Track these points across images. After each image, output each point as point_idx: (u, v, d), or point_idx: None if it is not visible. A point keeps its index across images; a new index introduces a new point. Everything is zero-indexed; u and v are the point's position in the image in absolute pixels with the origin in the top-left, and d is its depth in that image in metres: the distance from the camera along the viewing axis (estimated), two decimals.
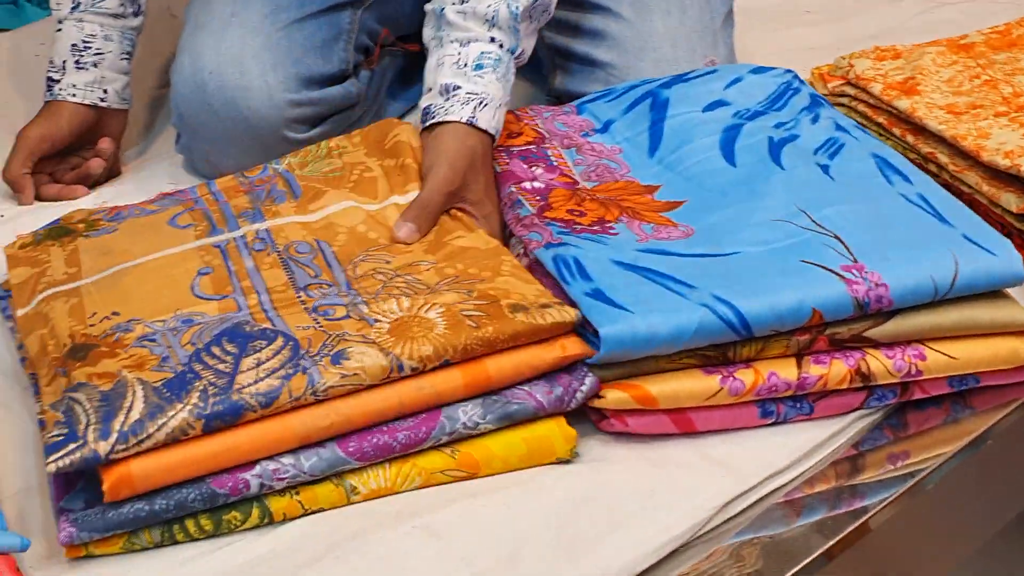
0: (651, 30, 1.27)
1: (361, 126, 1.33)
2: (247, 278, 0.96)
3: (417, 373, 0.86)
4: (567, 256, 0.95)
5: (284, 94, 1.21)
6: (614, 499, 0.84)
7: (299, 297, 0.93)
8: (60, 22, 1.27)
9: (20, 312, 0.99)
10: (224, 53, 1.21)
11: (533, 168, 1.07)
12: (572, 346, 0.88)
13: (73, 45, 1.26)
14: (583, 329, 0.90)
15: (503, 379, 0.87)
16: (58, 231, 1.08)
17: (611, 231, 0.99)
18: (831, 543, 0.85)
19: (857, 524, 0.87)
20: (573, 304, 0.91)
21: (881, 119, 1.22)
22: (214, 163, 1.25)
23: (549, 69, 1.34)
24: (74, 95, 1.26)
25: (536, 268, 0.97)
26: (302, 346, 0.86)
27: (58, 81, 1.26)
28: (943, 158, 1.15)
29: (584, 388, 0.88)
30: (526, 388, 0.87)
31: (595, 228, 0.99)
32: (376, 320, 0.88)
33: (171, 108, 1.27)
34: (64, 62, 1.26)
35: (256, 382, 0.83)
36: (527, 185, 1.05)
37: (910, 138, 1.18)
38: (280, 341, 0.87)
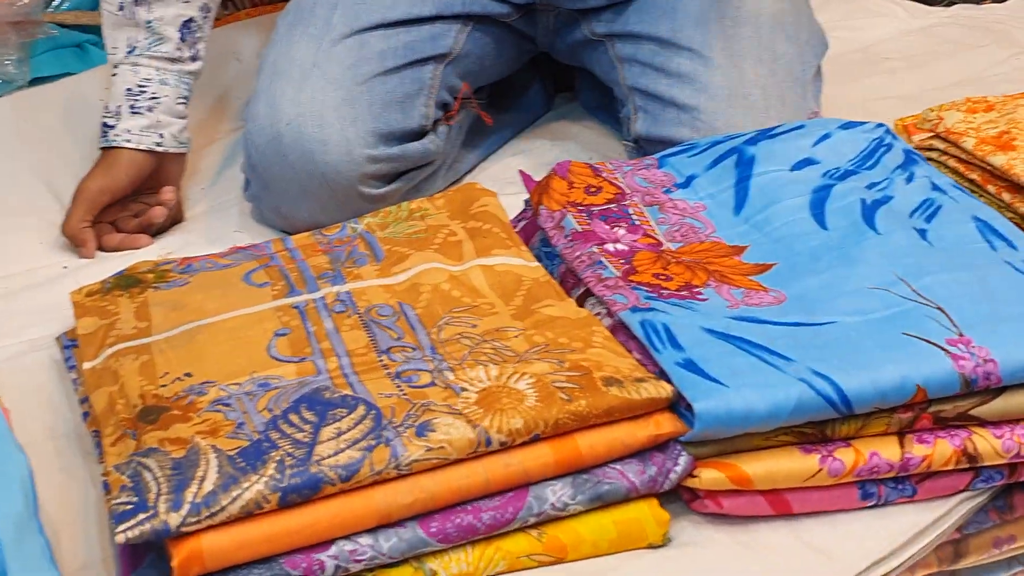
0: (742, 76, 1.23)
1: (436, 179, 1.30)
2: (326, 339, 0.92)
3: (505, 448, 0.82)
4: (655, 322, 0.90)
5: (363, 149, 1.18)
6: None
7: (381, 361, 0.89)
8: (115, 67, 1.25)
9: (87, 365, 0.96)
10: (303, 104, 1.18)
11: (615, 229, 1.03)
12: (666, 423, 0.84)
13: (128, 90, 1.23)
14: (675, 402, 0.85)
15: (595, 457, 0.83)
16: (126, 281, 1.05)
17: (699, 296, 0.95)
18: None
19: None
20: (664, 374, 0.87)
21: (974, 175, 1.17)
22: (285, 214, 1.22)
23: (630, 112, 1.29)
24: (129, 140, 1.23)
25: (620, 331, 0.93)
26: (385, 416, 0.82)
27: (113, 127, 1.24)
28: None
29: (679, 468, 0.83)
30: (618, 467, 0.83)
31: (683, 293, 0.95)
32: (463, 388, 0.84)
33: (242, 154, 1.24)
34: (119, 107, 1.23)
35: (336, 453, 0.79)
36: (610, 247, 1.01)
37: (1006, 196, 1.13)
38: (362, 410, 0.83)
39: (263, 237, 1.24)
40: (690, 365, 0.86)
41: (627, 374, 0.85)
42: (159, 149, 1.24)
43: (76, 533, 0.88)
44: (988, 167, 1.15)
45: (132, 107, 1.23)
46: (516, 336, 0.90)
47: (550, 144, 1.45)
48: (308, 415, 0.83)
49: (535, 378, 0.85)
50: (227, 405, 0.85)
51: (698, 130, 1.20)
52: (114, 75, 1.25)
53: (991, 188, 1.15)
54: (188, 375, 0.89)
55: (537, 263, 1.02)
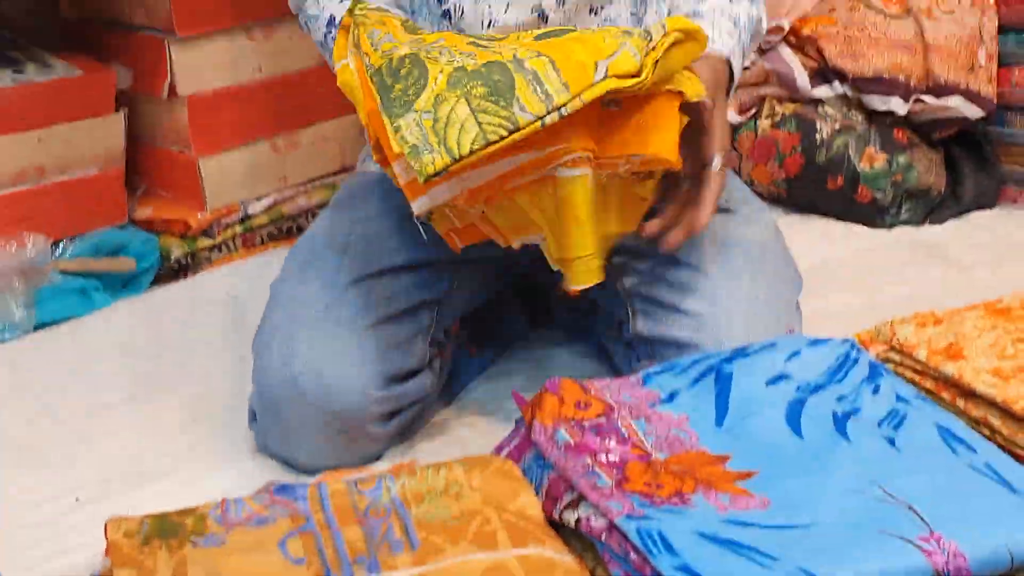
0: (739, 290, 1.32)
1: (430, 409, 1.38)
2: None
3: None
4: (651, 529, 0.97)
5: (372, 391, 1.25)
6: None
7: None
8: None
9: None
10: (318, 348, 1.25)
11: (606, 440, 1.11)
12: None
13: None
14: None
15: None
16: (166, 527, 1.04)
17: (690, 503, 1.03)
18: None
19: None
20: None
21: (928, 384, 1.26)
22: (291, 448, 1.28)
23: (627, 314, 1.37)
24: None
25: (614, 535, 0.99)
26: None
27: None
28: (995, 422, 1.19)
29: None
30: None
31: (674, 500, 1.03)
32: None
33: (254, 389, 1.30)
34: None
35: None
36: (602, 458, 1.09)
37: (960, 402, 1.22)
38: None
39: (267, 464, 1.30)
40: (686, 569, 0.93)
41: None
42: None
43: None
44: (941, 376, 1.25)
45: None
46: None
47: (531, 366, 1.54)
48: None
49: None
50: None
51: (701, 332, 1.29)
52: None
53: (945, 395, 1.24)
54: None
55: (570, 555, 1.03)
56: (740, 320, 1.29)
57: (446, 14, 1.36)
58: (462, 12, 1.35)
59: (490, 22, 1.34)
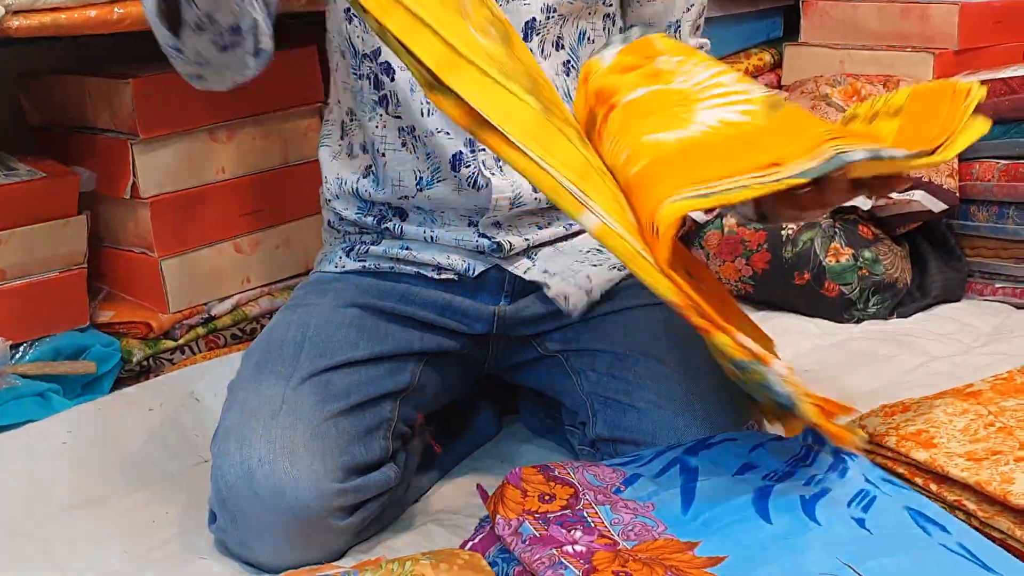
0: (698, 384, 1.31)
1: (394, 506, 1.35)
2: None
3: None
4: None
5: (331, 483, 1.23)
6: None
7: None
8: None
9: None
10: (274, 440, 1.23)
11: (572, 532, 1.09)
12: None
13: None
14: None
15: None
16: None
17: None
18: None
19: None
20: None
21: (901, 470, 1.24)
22: (251, 546, 1.25)
23: (586, 416, 1.36)
24: None
25: None
26: None
27: None
28: (970, 505, 1.17)
29: None
30: None
31: None
32: None
33: (208, 488, 1.28)
34: None
35: None
36: (568, 549, 1.06)
37: (933, 487, 1.21)
38: None
39: (228, 566, 1.27)
40: None
41: None
42: None
43: None
44: (912, 462, 1.23)
45: None
46: None
47: (499, 463, 1.52)
48: None
49: None
50: None
51: (659, 432, 1.28)
52: None
53: (918, 480, 1.22)
54: None
55: None
56: (698, 416, 1.28)
57: (382, 101, 1.38)
58: (397, 100, 1.37)
59: (429, 110, 1.36)
